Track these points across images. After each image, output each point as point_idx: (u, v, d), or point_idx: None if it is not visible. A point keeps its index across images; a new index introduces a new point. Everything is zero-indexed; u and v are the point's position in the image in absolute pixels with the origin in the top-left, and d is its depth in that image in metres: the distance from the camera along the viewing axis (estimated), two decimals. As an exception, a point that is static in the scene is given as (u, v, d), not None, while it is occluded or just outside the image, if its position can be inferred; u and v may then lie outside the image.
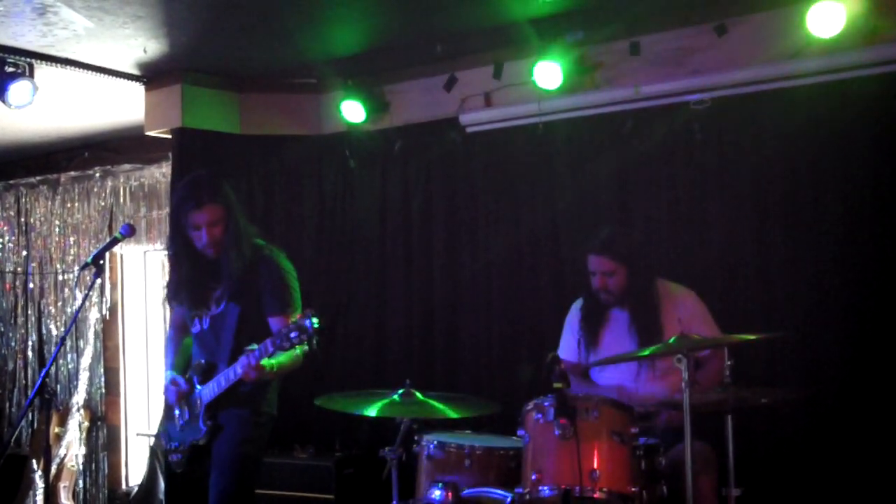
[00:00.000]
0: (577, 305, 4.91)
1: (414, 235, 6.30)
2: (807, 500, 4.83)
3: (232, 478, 4.45)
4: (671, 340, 3.88)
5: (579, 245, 5.00)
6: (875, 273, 4.80)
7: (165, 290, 4.91)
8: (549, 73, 5.43)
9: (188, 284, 4.64)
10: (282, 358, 4.31)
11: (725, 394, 3.82)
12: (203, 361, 4.59)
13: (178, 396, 4.61)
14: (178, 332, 4.90)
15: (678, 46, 5.31)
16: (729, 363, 3.86)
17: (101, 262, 4.32)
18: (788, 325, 4.93)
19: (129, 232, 4.47)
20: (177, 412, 4.67)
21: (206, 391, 4.48)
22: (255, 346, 4.20)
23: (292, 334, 4.00)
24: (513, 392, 5.38)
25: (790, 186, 5.04)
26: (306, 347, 4.08)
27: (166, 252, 6.33)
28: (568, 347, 4.87)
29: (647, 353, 4.05)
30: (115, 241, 4.45)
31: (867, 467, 4.71)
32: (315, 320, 3.98)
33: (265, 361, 4.22)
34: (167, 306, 6.34)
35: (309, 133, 6.70)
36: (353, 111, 6.22)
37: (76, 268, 8.22)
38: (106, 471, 8.04)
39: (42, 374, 4.15)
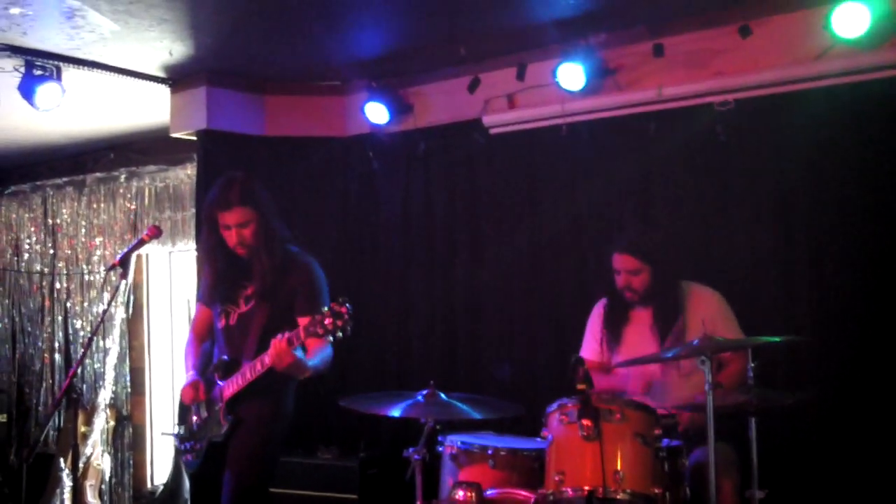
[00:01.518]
0: (599, 306, 4.93)
1: (437, 236, 6.33)
2: (831, 502, 4.82)
3: (247, 476, 4.46)
4: (695, 342, 3.88)
5: (602, 246, 5.01)
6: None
7: (197, 288, 4.93)
8: (572, 74, 5.43)
9: (221, 280, 4.68)
10: (317, 360, 4.36)
11: (748, 395, 3.82)
12: (227, 358, 4.58)
13: (198, 398, 4.64)
14: (199, 336, 4.93)
15: (702, 48, 5.31)
16: (752, 365, 3.87)
17: (128, 262, 4.36)
18: (811, 326, 4.93)
19: (156, 233, 4.51)
20: (194, 410, 4.68)
21: (229, 385, 4.49)
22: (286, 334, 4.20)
23: (326, 320, 3.99)
24: (536, 392, 5.40)
25: (814, 188, 5.03)
26: (339, 335, 4.07)
27: (196, 250, 6.42)
28: (590, 348, 4.90)
29: (670, 354, 4.05)
30: (141, 243, 4.48)
31: (892, 469, 4.69)
32: (349, 306, 3.99)
33: (299, 352, 4.23)
34: (192, 306, 6.39)
35: (333, 135, 6.74)
36: (376, 113, 6.24)
37: (102, 268, 8.27)
38: (131, 470, 8.09)
39: (70, 374, 4.19)
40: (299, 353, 4.27)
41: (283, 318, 4.42)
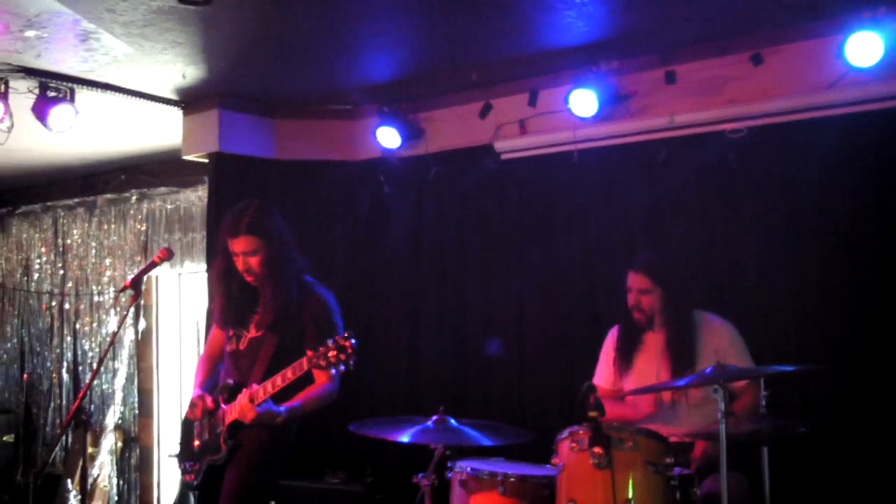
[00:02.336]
0: (613, 332, 4.93)
1: (448, 261, 6.32)
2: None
3: (244, 497, 4.45)
4: (707, 370, 3.86)
5: (615, 271, 5.00)
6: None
7: (208, 311, 4.94)
8: (584, 101, 5.44)
9: (233, 304, 4.69)
10: (297, 403, 4.40)
11: (761, 424, 3.80)
12: (231, 382, 4.60)
13: (203, 413, 4.65)
14: (211, 356, 4.96)
15: (714, 76, 5.32)
16: (765, 393, 3.85)
17: (140, 284, 4.36)
18: (823, 354, 4.90)
19: (168, 255, 4.52)
20: (196, 432, 4.69)
21: (231, 411, 4.48)
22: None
23: (330, 353, 4.05)
24: (546, 419, 5.37)
25: (826, 217, 5.03)
26: (342, 368, 4.10)
27: (207, 272, 6.43)
28: (602, 375, 4.90)
29: (683, 383, 4.04)
30: (153, 265, 4.50)
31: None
32: (354, 341, 4.05)
33: (267, 405, 4.30)
34: (202, 328, 6.39)
35: (344, 159, 6.75)
36: (388, 137, 6.25)
37: (112, 289, 8.28)
38: (138, 492, 8.07)
39: (80, 395, 4.19)
40: (268, 405, 4.31)
41: (293, 348, 4.41)
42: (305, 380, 4.33)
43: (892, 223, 4.84)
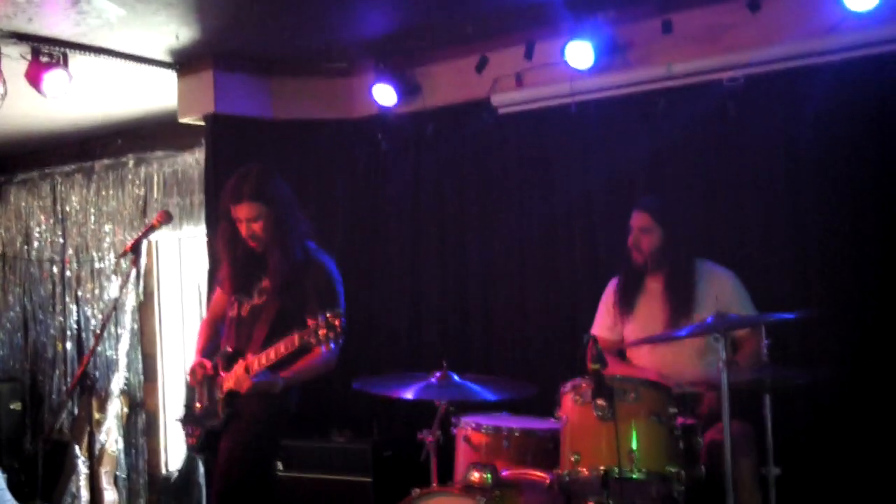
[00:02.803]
0: (612, 283, 4.93)
1: (447, 217, 6.31)
2: (847, 479, 4.81)
3: (236, 469, 4.47)
4: (708, 319, 3.86)
5: (613, 223, 5.00)
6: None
7: (209, 275, 4.93)
8: (580, 52, 5.40)
9: (238, 270, 4.69)
10: (291, 374, 4.40)
11: (763, 373, 3.81)
12: (230, 349, 4.60)
13: (203, 379, 4.66)
14: (213, 322, 4.96)
15: (711, 23, 5.27)
16: (766, 342, 3.85)
17: (140, 248, 4.34)
18: (825, 303, 4.91)
19: (166, 218, 4.48)
20: (197, 396, 4.70)
21: (229, 379, 4.48)
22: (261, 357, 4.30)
23: (320, 330, 4.04)
24: (549, 372, 5.38)
25: (825, 163, 5.01)
26: (332, 346, 4.10)
27: (207, 236, 6.43)
28: (602, 324, 4.92)
29: (684, 333, 4.04)
30: (152, 228, 4.47)
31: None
32: (343, 320, 4.05)
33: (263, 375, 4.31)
34: (204, 292, 6.39)
35: (341, 117, 6.71)
36: (384, 94, 6.21)
37: (112, 255, 8.27)
38: (146, 456, 8.11)
39: (84, 361, 4.20)
40: (264, 375, 4.32)
41: (293, 316, 4.40)
42: (303, 348, 4.29)
43: (892, 169, 4.82)
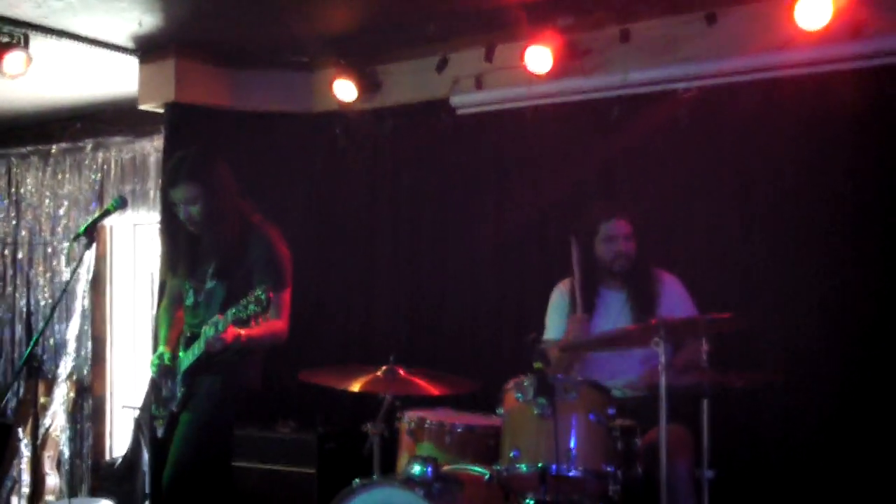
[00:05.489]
0: (559, 290, 4.93)
1: (403, 215, 6.35)
2: (781, 484, 4.91)
3: (189, 448, 4.49)
4: (650, 322, 3.92)
5: (566, 228, 5.03)
6: (854, 260, 4.88)
7: (161, 263, 4.93)
8: (539, 57, 5.46)
9: (183, 257, 4.70)
10: (256, 330, 4.34)
11: (701, 376, 3.87)
12: (189, 334, 4.64)
13: (163, 372, 4.67)
14: (172, 306, 4.95)
15: (668, 34, 5.35)
16: (706, 348, 3.91)
17: (93, 232, 4.33)
18: (769, 308, 5.01)
19: (122, 204, 4.47)
20: (163, 383, 4.72)
21: (185, 358, 4.53)
22: (217, 319, 4.26)
23: (251, 305, 4.06)
24: (495, 370, 5.43)
25: (774, 175, 5.11)
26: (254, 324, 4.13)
27: (158, 225, 6.41)
28: (556, 328, 4.85)
29: (619, 334, 4.10)
30: (107, 213, 4.47)
31: (841, 451, 4.80)
32: (272, 295, 4.07)
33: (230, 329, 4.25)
34: (156, 278, 6.38)
35: (300, 111, 6.73)
36: (344, 90, 6.25)
37: (66, 239, 8.23)
38: (90, 441, 8.07)
39: (31, 344, 4.19)
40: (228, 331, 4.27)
41: (241, 294, 4.35)
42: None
43: (837, 184, 4.92)
